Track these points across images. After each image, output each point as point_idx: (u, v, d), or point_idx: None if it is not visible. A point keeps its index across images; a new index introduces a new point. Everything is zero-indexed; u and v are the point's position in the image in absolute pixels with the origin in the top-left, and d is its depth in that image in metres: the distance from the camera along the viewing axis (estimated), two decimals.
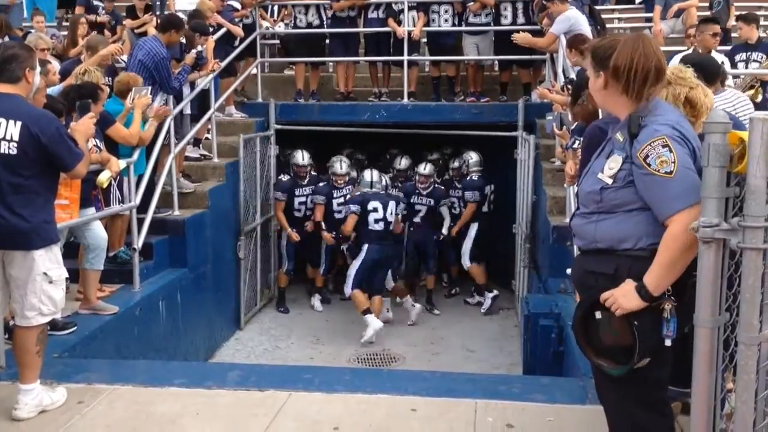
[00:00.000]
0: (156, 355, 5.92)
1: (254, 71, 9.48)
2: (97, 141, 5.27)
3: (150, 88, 6.03)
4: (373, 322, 7.62)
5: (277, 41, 10.62)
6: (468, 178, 8.95)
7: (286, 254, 8.95)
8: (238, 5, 9.06)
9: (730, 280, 2.29)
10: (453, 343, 7.91)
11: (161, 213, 6.70)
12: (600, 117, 4.61)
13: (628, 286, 2.42)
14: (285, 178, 8.96)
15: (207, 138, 8.10)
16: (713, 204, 2.20)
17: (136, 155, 5.89)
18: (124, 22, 10.16)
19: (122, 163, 5.43)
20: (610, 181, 2.49)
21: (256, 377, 4.13)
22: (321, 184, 8.83)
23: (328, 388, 3.98)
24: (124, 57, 6.95)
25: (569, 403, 3.82)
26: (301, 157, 8.86)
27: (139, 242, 5.94)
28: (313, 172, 9.05)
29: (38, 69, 3.78)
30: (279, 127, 9.10)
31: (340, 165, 8.79)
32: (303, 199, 8.84)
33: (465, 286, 9.40)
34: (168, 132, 6.62)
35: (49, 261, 3.64)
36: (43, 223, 3.64)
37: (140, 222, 6.10)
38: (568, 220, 5.41)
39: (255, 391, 3.94)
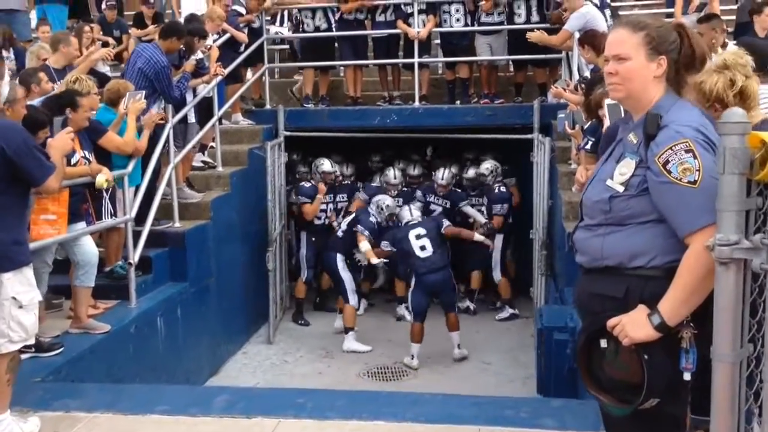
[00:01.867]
0: (153, 374, 5.69)
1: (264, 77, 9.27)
2: (86, 153, 5.07)
3: (144, 92, 5.81)
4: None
5: (287, 46, 10.40)
6: (496, 190, 8.64)
7: (305, 263, 8.70)
8: (242, 10, 8.85)
9: (753, 306, 1.97)
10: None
11: (161, 225, 6.48)
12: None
13: (640, 313, 2.11)
14: (308, 184, 8.77)
15: (212, 146, 7.88)
16: (731, 218, 1.89)
17: (131, 166, 5.68)
18: (130, 31, 10.04)
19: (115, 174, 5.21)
20: (620, 189, 2.19)
21: (244, 403, 3.87)
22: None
23: (320, 415, 3.70)
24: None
25: (581, 431, 3.50)
26: (330, 165, 8.74)
27: (135, 256, 5.72)
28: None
29: (6, 79, 3.56)
30: (288, 133, 8.87)
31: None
32: (323, 206, 8.69)
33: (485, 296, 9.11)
34: (167, 141, 6.41)
35: (18, 284, 3.42)
36: (13, 244, 3.41)
37: (138, 235, 5.90)
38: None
39: (242, 419, 3.68)
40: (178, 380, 6.15)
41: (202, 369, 6.76)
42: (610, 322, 2.15)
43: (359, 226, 7.89)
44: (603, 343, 2.21)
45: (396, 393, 5.33)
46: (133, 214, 5.74)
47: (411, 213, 7.82)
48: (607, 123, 3.42)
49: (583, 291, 2.36)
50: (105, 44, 8.84)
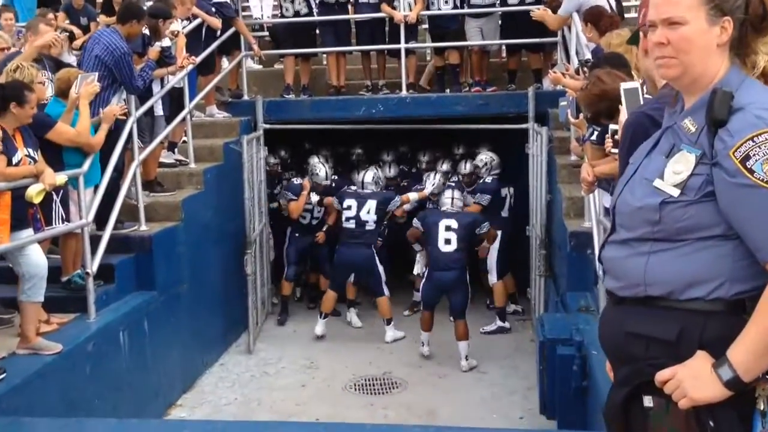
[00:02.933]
0: (116, 394, 5.15)
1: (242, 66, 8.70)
2: (30, 151, 4.49)
3: (97, 74, 5.23)
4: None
5: (266, 33, 9.82)
6: (481, 181, 8.05)
7: (287, 260, 8.34)
8: None
9: None
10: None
11: (125, 228, 5.92)
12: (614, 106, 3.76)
13: (701, 363, 1.60)
14: (297, 180, 8.37)
15: (184, 141, 7.31)
16: None
17: (86, 165, 5.11)
18: (98, 19, 9.40)
19: (61, 176, 4.64)
20: (675, 193, 1.68)
21: None
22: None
23: None
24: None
25: None
26: (325, 174, 8.31)
27: (93, 265, 5.17)
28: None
29: None
30: (268, 126, 8.30)
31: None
32: (309, 206, 8.25)
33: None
34: (130, 136, 5.84)
35: None
36: None
37: (98, 240, 5.35)
38: (596, 249, 4.51)
39: None
40: (145, 398, 5.62)
41: (174, 384, 6.21)
42: (661, 376, 1.62)
43: (392, 202, 7.78)
44: (647, 401, 1.68)
45: (381, 426, 4.79)
46: (90, 217, 5.19)
47: (452, 202, 7.45)
48: (624, 114, 2.87)
49: (615, 328, 1.82)
50: (70, 33, 8.24)
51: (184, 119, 6.98)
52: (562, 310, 5.69)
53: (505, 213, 8.03)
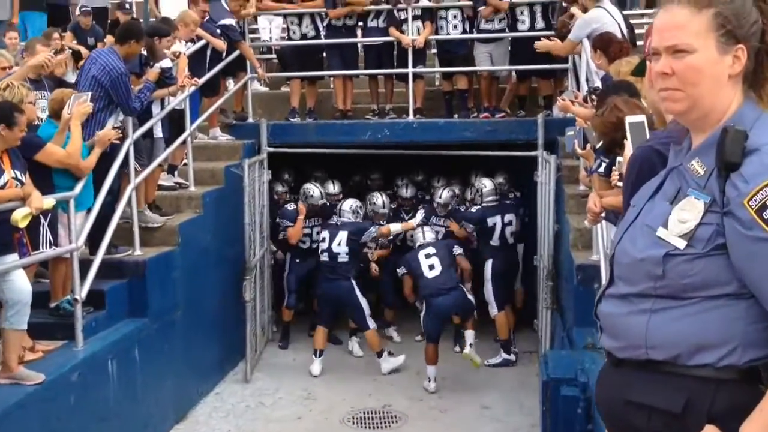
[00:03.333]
0: (102, 425, 4.97)
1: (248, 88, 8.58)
2: (17, 173, 4.35)
3: (90, 94, 5.11)
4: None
5: (273, 55, 9.73)
6: (467, 209, 7.86)
7: (287, 287, 8.22)
8: (231, 20, 8.12)
9: None
10: (465, 397, 6.83)
11: (119, 253, 5.77)
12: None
13: None
14: (291, 207, 8.22)
15: (185, 164, 7.17)
16: None
17: (78, 187, 4.97)
18: (105, 39, 9.36)
19: (49, 200, 4.50)
20: (681, 244, 1.49)
21: None
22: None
23: None
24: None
25: None
26: (319, 195, 8.18)
27: (82, 290, 5.01)
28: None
29: None
30: (272, 149, 8.17)
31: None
32: (307, 230, 8.14)
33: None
34: (126, 157, 5.71)
35: None
36: None
37: (88, 265, 5.19)
38: (596, 298, 4.31)
39: None
40: (134, 430, 5.42)
41: (166, 415, 6.02)
42: None
43: (366, 232, 7.49)
44: None
45: None
46: (81, 242, 5.03)
47: (424, 236, 7.58)
48: (629, 149, 2.68)
49: (614, 394, 1.63)
50: (77, 53, 8.18)
51: (184, 141, 6.85)
52: (569, 346, 5.46)
53: (495, 242, 7.71)
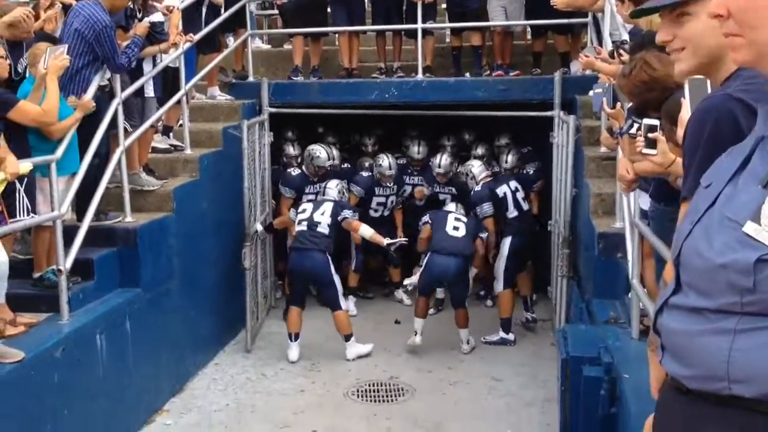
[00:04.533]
0: (90, 403, 4.68)
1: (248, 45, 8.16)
2: None
3: (66, 46, 4.72)
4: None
5: (275, 11, 9.27)
6: (472, 191, 7.40)
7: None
8: None
9: None
10: (475, 368, 6.53)
11: (108, 220, 5.43)
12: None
13: None
14: (295, 172, 7.80)
15: (181, 125, 6.79)
16: None
17: (60, 150, 4.61)
18: None
19: (26, 164, 4.15)
20: None
21: None
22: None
23: None
24: None
25: None
26: (326, 157, 7.70)
27: (67, 260, 4.68)
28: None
29: None
30: (273, 110, 7.77)
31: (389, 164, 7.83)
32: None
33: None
34: (114, 118, 5.34)
35: None
36: None
37: (74, 233, 4.86)
38: (651, 312, 3.81)
39: None
40: (125, 406, 5.15)
41: (161, 388, 5.74)
42: None
43: (346, 211, 6.90)
44: None
45: None
46: (64, 209, 4.68)
47: (456, 208, 7.42)
48: (686, 110, 2.23)
49: (681, 429, 1.25)
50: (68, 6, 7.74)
51: (179, 101, 6.46)
52: (587, 319, 5.12)
53: (512, 212, 7.21)
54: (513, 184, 7.30)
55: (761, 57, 1.17)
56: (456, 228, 6.83)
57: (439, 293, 7.77)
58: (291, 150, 8.24)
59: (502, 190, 7.25)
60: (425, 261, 6.88)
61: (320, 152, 7.70)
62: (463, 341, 6.84)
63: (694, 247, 1.22)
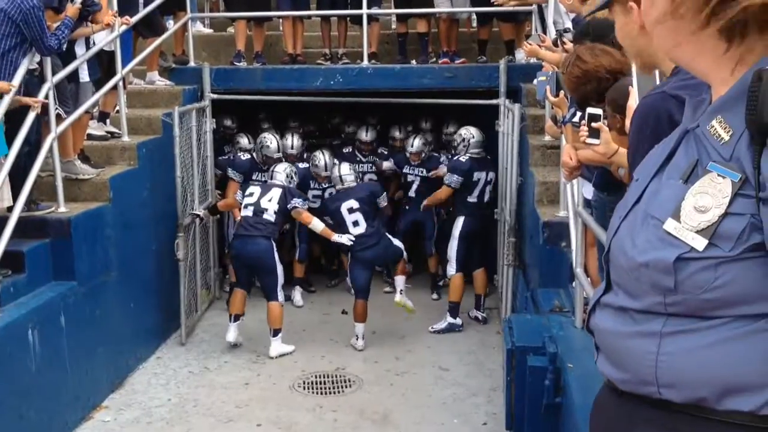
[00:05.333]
0: (22, 401, 4.48)
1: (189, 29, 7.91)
2: None
3: None
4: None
5: None
6: (456, 157, 7.26)
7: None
8: None
9: None
10: (422, 357, 6.51)
11: (40, 210, 5.21)
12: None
13: None
14: (245, 156, 7.67)
15: (117, 112, 6.55)
16: None
17: None
18: None
19: None
20: (700, 244, 1.06)
21: None
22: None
23: None
24: None
25: None
26: (276, 146, 7.50)
27: None
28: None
29: None
30: (215, 96, 7.57)
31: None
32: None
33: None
34: (45, 104, 5.10)
35: None
36: None
37: (5, 224, 4.64)
38: (573, 244, 3.84)
39: None
40: (61, 402, 4.96)
41: (100, 384, 5.55)
42: None
43: (295, 200, 6.71)
44: None
45: None
46: None
47: (342, 179, 7.05)
48: (634, 98, 2.22)
49: (615, 429, 1.22)
50: None
51: (116, 87, 6.22)
52: (532, 308, 5.13)
53: (473, 198, 7.11)
54: (491, 175, 7.17)
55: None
56: (355, 223, 6.68)
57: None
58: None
59: (478, 175, 7.09)
60: (350, 260, 6.84)
61: (271, 142, 7.50)
62: (397, 290, 6.94)
63: (621, 245, 1.18)
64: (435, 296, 7.94)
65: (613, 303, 1.20)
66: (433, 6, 7.86)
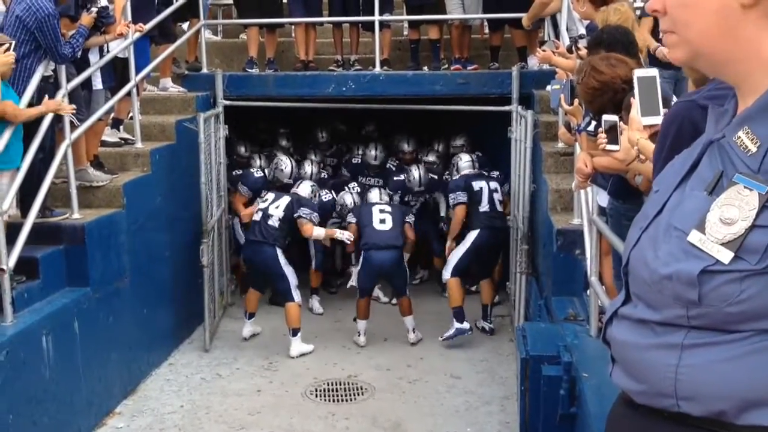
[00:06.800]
0: (36, 407, 4.49)
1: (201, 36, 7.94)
2: None
3: (14, 42, 4.51)
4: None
5: (230, 0, 9.06)
6: (450, 180, 7.42)
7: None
8: None
9: None
10: (434, 365, 6.48)
11: (54, 217, 5.23)
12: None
13: None
14: (258, 173, 7.77)
15: (131, 118, 6.58)
16: None
17: (2, 144, 4.41)
18: None
19: None
20: (727, 257, 1.04)
21: None
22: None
23: None
24: None
25: None
26: (290, 169, 7.48)
27: (10, 259, 4.48)
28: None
29: None
30: (228, 102, 7.59)
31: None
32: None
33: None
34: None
35: None
36: None
37: (17, 230, 4.66)
38: (587, 251, 3.82)
39: None
40: (74, 409, 4.96)
41: (113, 390, 5.55)
42: None
43: (303, 209, 6.82)
44: None
45: None
46: (6, 205, 4.48)
47: (381, 197, 7.47)
48: (636, 108, 2.21)
49: None
50: None
51: (129, 93, 6.25)
52: (546, 316, 5.11)
53: (484, 207, 7.05)
54: (493, 184, 7.17)
55: (696, 56, 1.12)
56: (383, 221, 6.86)
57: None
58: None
59: (478, 184, 7.12)
60: (360, 260, 6.86)
61: (286, 166, 7.46)
62: (409, 329, 6.87)
63: (641, 257, 1.16)
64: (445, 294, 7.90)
65: (631, 315, 1.19)
66: (445, 12, 7.85)
